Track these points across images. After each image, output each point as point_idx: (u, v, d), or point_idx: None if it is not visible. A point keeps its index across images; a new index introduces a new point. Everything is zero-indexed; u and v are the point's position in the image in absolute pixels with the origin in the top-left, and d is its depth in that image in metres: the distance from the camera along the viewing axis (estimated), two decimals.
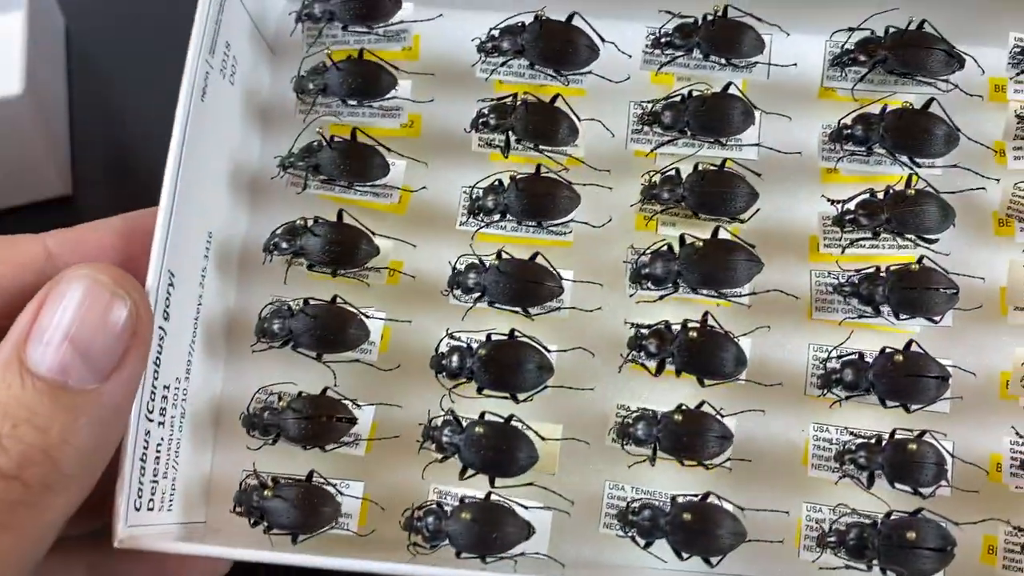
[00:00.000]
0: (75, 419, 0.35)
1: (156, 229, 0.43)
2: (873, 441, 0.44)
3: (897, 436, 0.44)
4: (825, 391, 0.46)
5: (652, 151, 0.49)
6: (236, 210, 0.51)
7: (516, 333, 0.45)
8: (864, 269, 0.47)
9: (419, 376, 0.48)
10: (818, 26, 0.51)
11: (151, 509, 0.44)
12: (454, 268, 0.47)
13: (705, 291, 0.46)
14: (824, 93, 0.51)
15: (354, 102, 0.49)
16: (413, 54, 0.52)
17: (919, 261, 0.46)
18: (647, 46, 0.50)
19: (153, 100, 0.70)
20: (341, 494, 0.45)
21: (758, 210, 0.48)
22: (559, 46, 0.48)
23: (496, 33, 0.49)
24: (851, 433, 0.46)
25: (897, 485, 0.44)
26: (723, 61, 0.49)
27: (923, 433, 0.44)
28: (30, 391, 0.35)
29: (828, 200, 0.48)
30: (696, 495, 0.45)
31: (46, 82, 0.68)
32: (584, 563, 0.46)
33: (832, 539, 0.43)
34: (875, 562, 0.43)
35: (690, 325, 0.45)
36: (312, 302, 0.46)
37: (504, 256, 0.46)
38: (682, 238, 0.46)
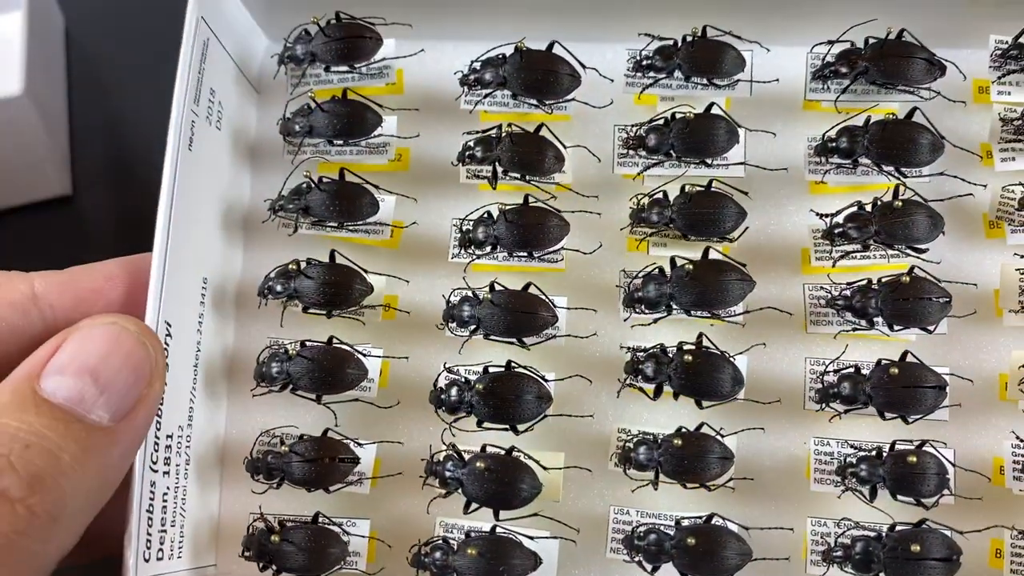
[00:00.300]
0: (85, 451, 0.35)
1: (151, 282, 0.44)
2: (874, 454, 0.44)
3: (897, 448, 0.45)
4: (823, 405, 0.46)
5: (639, 174, 0.49)
6: (230, 251, 0.52)
7: (513, 364, 0.46)
8: (856, 282, 0.47)
9: (419, 410, 0.48)
10: (798, 39, 0.51)
11: (160, 559, 0.44)
12: (448, 301, 0.47)
13: (698, 312, 0.46)
14: (808, 106, 0.52)
15: (340, 142, 0.49)
16: (398, 88, 0.53)
17: (910, 272, 0.46)
18: (628, 69, 0.50)
19: (153, 100, 0.69)
20: (348, 533, 0.45)
21: (747, 228, 0.48)
22: (541, 76, 0.48)
23: (478, 66, 0.49)
24: (851, 446, 0.46)
25: (900, 497, 0.44)
26: (705, 81, 0.49)
27: (923, 444, 0.45)
28: (44, 416, 0.35)
29: (817, 214, 0.49)
30: (700, 516, 0.45)
31: (46, 82, 0.68)
32: None
33: (838, 554, 0.44)
34: (881, 575, 0.43)
35: (686, 347, 0.45)
36: (309, 344, 0.47)
37: (497, 288, 0.47)
38: (673, 260, 0.47)
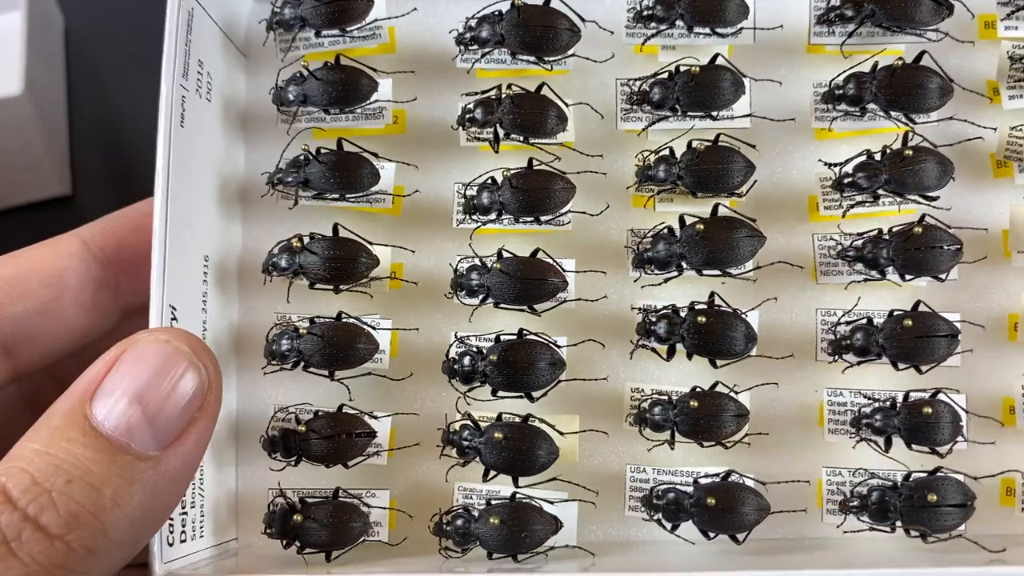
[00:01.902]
0: (129, 483, 0.34)
1: (152, 267, 0.43)
2: (888, 405, 0.45)
3: (911, 398, 0.45)
4: (836, 357, 0.46)
5: (643, 130, 0.48)
6: (229, 226, 0.51)
7: (525, 332, 0.45)
8: (866, 232, 0.46)
9: (431, 379, 0.48)
10: None
11: (183, 541, 0.44)
12: (456, 270, 0.47)
13: (709, 271, 0.46)
14: (811, 49, 0.50)
15: (336, 110, 0.48)
16: (390, 47, 0.51)
17: (921, 220, 0.46)
18: (629, 19, 0.49)
19: (152, 100, 0.71)
20: (368, 506, 0.46)
21: (755, 182, 0.48)
22: (539, 32, 0.47)
23: (474, 23, 0.48)
24: (864, 395, 0.46)
25: (914, 446, 0.44)
26: (708, 30, 0.48)
27: (937, 393, 0.45)
28: (90, 447, 0.34)
29: (825, 164, 0.48)
30: (717, 474, 0.45)
31: (46, 82, 0.68)
32: (612, 546, 0.47)
33: (854, 503, 0.44)
34: (898, 523, 0.44)
35: (697, 307, 0.45)
36: (318, 320, 0.46)
37: (505, 255, 0.46)
38: (682, 219, 0.46)
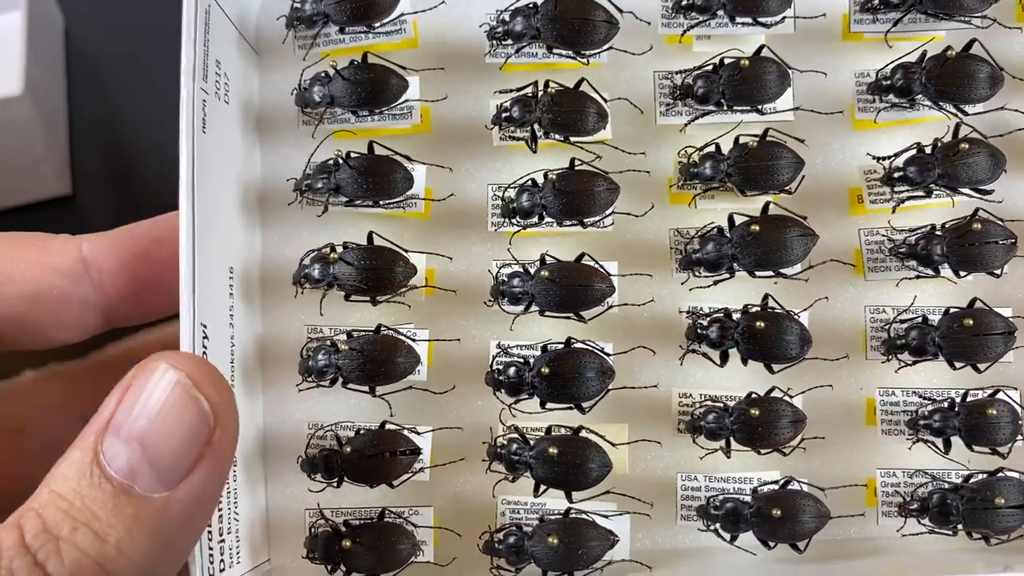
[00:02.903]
0: (134, 529, 0.33)
1: (181, 284, 0.40)
2: (946, 405, 0.44)
3: (971, 398, 0.44)
4: (890, 356, 0.45)
5: (686, 125, 0.47)
6: (250, 234, 0.48)
7: (572, 341, 0.44)
8: (917, 229, 0.45)
9: (470, 390, 0.46)
10: None
11: (223, 570, 0.42)
12: (496, 277, 0.45)
13: (761, 273, 0.44)
14: (849, 37, 0.49)
15: (364, 112, 0.46)
16: (413, 42, 0.49)
17: (975, 214, 0.44)
18: (666, 11, 0.47)
19: (152, 100, 0.71)
20: (413, 525, 0.44)
21: (803, 177, 0.46)
22: (577, 25, 0.45)
23: (507, 17, 0.46)
24: (917, 395, 0.45)
25: (975, 448, 0.43)
26: (750, 20, 0.46)
27: (996, 392, 0.44)
28: (97, 489, 0.33)
29: (874, 158, 0.47)
30: (776, 481, 0.44)
31: (46, 82, 0.68)
32: (665, 557, 0.46)
33: (914, 506, 0.43)
34: (959, 525, 0.43)
35: (752, 310, 0.44)
36: (356, 334, 0.44)
37: (549, 260, 0.44)
38: (731, 218, 0.45)
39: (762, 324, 0.43)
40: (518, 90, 0.46)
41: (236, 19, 0.48)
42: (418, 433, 0.45)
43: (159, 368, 0.33)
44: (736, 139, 0.45)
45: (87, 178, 0.69)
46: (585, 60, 0.46)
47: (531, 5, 0.45)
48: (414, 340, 0.45)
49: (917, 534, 0.44)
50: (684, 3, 0.46)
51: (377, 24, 0.46)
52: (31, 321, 0.44)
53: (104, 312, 0.46)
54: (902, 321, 0.45)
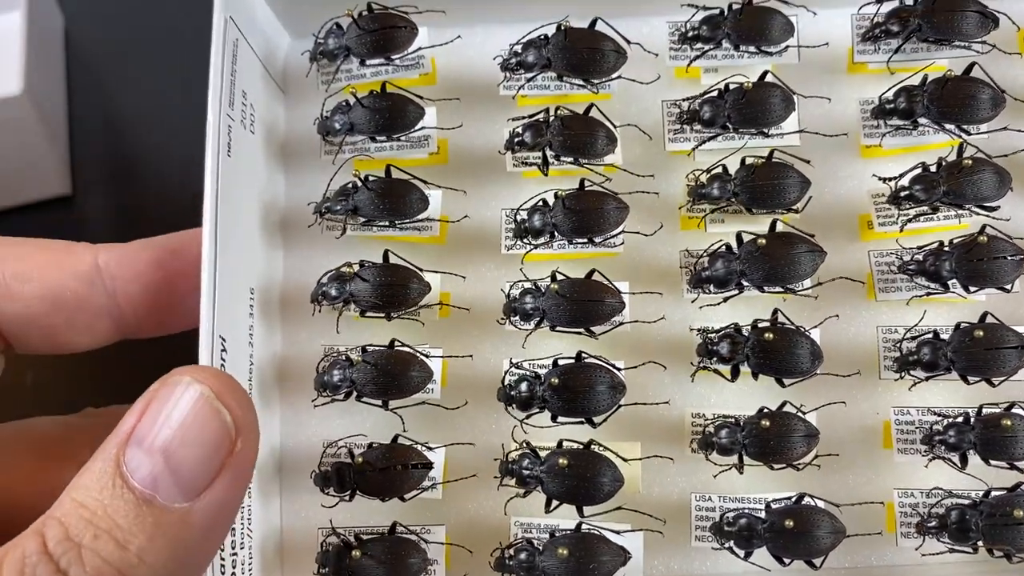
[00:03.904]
0: (156, 538, 0.33)
1: (202, 299, 0.42)
2: (961, 420, 0.43)
3: (985, 412, 0.43)
4: (903, 374, 0.45)
5: (694, 149, 0.48)
6: (271, 256, 0.50)
7: (583, 355, 0.44)
8: (926, 246, 0.46)
9: (484, 408, 0.47)
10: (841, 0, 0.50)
11: None
12: (508, 295, 0.46)
13: (770, 288, 0.45)
14: (854, 68, 0.50)
15: (383, 138, 0.47)
16: (431, 78, 0.51)
17: (982, 231, 0.45)
18: (674, 41, 0.49)
19: (152, 100, 0.72)
20: (426, 542, 0.44)
21: (811, 198, 0.47)
22: (587, 54, 0.47)
23: (519, 48, 0.48)
24: (933, 412, 0.45)
25: (992, 462, 0.43)
26: (754, 49, 0.48)
27: (1012, 406, 0.44)
28: (119, 499, 0.33)
29: (880, 179, 0.47)
30: (789, 497, 0.44)
31: (46, 82, 0.68)
32: None
33: (932, 524, 0.43)
34: (979, 543, 0.42)
35: (761, 325, 0.44)
36: (371, 349, 0.45)
37: (560, 278, 0.45)
38: (739, 236, 0.45)
39: (771, 336, 0.43)
40: (530, 116, 0.47)
41: (263, 56, 0.51)
42: (431, 449, 0.45)
43: (182, 381, 0.34)
44: (742, 160, 0.46)
45: (87, 178, 0.69)
46: (595, 88, 0.48)
47: (542, 37, 0.47)
48: (427, 356, 0.46)
49: (937, 553, 0.43)
50: (690, 33, 0.48)
51: (396, 57, 0.48)
52: (45, 323, 0.45)
53: (116, 321, 0.47)
54: (913, 338, 0.45)
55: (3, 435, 0.48)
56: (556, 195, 0.46)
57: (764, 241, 0.44)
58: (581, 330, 0.45)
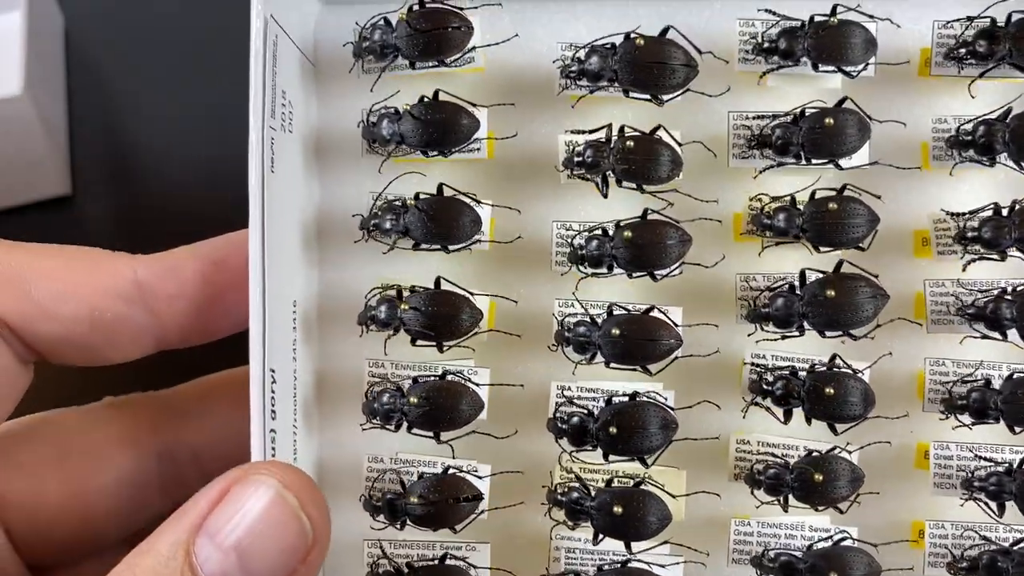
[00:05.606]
0: None
1: (251, 330, 0.40)
2: (1003, 470, 0.44)
3: None
4: (949, 415, 0.45)
5: (760, 172, 0.46)
6: (309, 269, 0.48)
7: (639, 396, 0.44)
8: (989, 291, 0.45)
9: (529, 427, 0.47)
10: (921, 13, 0.46)
11: None
12: (561, 324, 0.45)
13: (831, 333, 0.44)
14: (928, 75, 0.47)
15: (434, 152, 0.44)
16: (479, 68, 0.47)
17: None
18: (746, 52, 0.45)
19: (153, 100, 0.72)
20: (473, 567, 0.45)
21: (876, 233, 0.45)
22: (656, 70, 0.43)
23: (582, 55, 0.44)
24: (971, 450, 0.45)
25: None
26: (833, 68, 0.45)
27: None
28: None
29: (948, 213, 0.46)
30: (827, 530, 0.45)
31: (46, 82, 0.68)
32: None
33: (963, 566, 0.44)
34: None
35: (818, 370, 0.44)
36: (422, 380, 0.44)
37: (616, 312, 0.44)
38: (803, 275, 0.44)
39: (831, 390, 0.43)
40: (590, 132, 0.44)
41: (297, 37, 0.46)
42: (480, 477, 0.45)
43: (264, 481, 0.34)
44: (812, 193, 0.44)
45: (87, 178, 0.70)
46: (661, 103, 0.45)
47: (609, 46, 0.44)
48: (475, 384, 0.45)
49: None
50: (766, 46, 0.45)
51: (450, 60, 0.44)
52: (82, 343, 0.44)
53: (157, 337, 0.46)
54: (964, 381, 0.45)
55: (21, 432, 0.48)
56: (618, 225, 0.44)
57: (833, 292, 0.43)
58: (636, 368, 0.44)
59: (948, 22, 0.45)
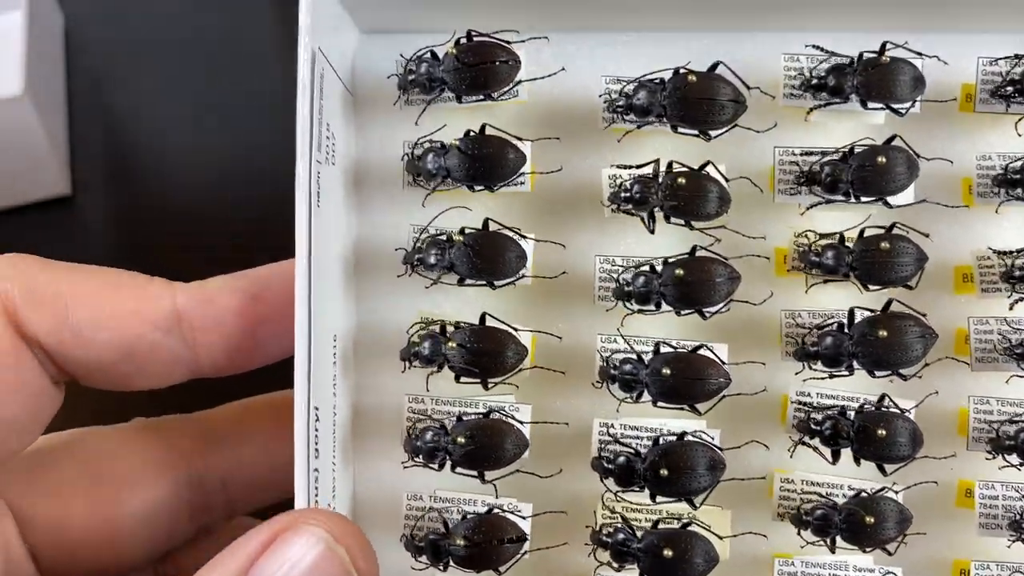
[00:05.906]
0: None
1: (296, 371, 0.40)
2: None
3: None
4: (996, 455, 0.45)
5: (807, 209, 0.45)
6: (348, 302, 0.47)
7: (687, 435, 0.43)
8: None
9: (572, 461, 0.46)
10: (963, 51, 0.46)
11: None
12: (606, 361, 0.44)
13: (880, 373, 0.44)
14: (966, 107, 0.47)
15: (480, 187, 0.44)
16: (520, 101, 0.47)
17: None
18: (794, 88, 0.45)
19: (153, 100, 0.72)
20: None
21: (922, 272, 0.45)
22: (706, 106, 0.43)
23: (630, 90, 0.44)
24: (1018, 491, 0.45)
25: None
26: (881, 106, 0.44)
27: None
28: None
29: (994, 252, 0.46)
30: (871, 571, 0.44)
31: (46, 82, 0.67)
32: None
33: None
34: None
35: (867, 410, 0.43)
36: (466, 419, 0.43)
37: (663, 350, 0.43)
38: (851, 313, 0.44)
39: (882, 432, 0.42)
40: (637, 167, 0.44)
41: (338, 67, 0.46)
42: (523, 517, 0.44)
43: (314, 532, 0.33)
44: (861, 232, 0.44)
45: (87, 178, 0.69)
46: (707, 138, 0.44)
47: (657, 80, 0.43)
48: (518, 421, 0.44)
49: None
50: (814, 82, 0.44)
51: (497, 95, 0.44)
52: (116, 370, 0.43)
53: (189, 367, 0.45)
54: (1011, 421, 0.45)
55: (52, 452, 0.47)
56: (665, 261, 0.43)
57: (884, 332, 0.42)
58: (684, 407, 0.43)
59: (995, 59, 0.45)
